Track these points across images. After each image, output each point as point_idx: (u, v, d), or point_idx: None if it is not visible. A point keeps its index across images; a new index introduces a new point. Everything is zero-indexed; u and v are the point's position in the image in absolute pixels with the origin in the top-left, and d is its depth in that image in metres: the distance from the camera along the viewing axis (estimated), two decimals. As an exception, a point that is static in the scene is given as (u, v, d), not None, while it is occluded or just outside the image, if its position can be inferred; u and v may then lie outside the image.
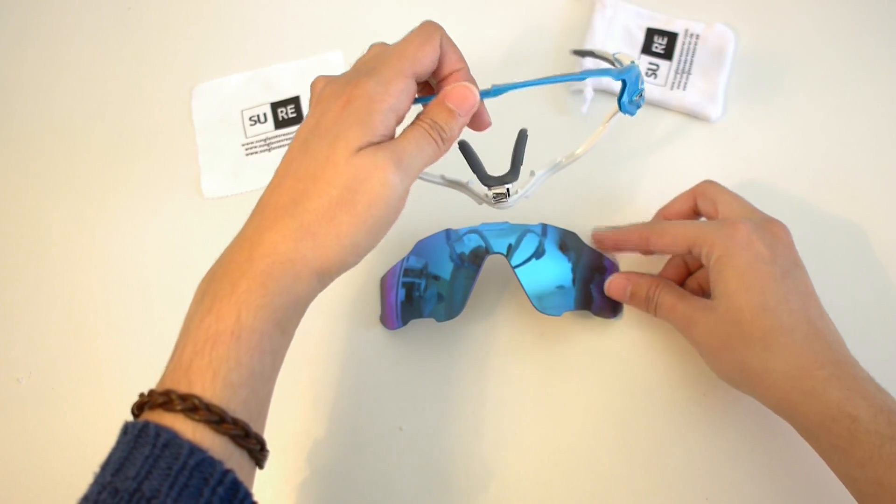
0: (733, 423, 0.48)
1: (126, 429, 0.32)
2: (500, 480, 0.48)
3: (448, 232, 0.50)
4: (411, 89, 0.37)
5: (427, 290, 0.49)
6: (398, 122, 0.38)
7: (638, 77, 0.45)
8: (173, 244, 0.57)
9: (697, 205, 0.48)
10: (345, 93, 0.36)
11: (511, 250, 0.48)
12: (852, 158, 0.54)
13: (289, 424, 0.50)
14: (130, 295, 0.55)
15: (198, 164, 0.59)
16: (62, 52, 0.63)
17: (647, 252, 0.48)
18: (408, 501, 0.48)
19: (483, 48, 0.59)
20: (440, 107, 0.38)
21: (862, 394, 0.37)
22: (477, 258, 0.48)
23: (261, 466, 0.35)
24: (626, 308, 0.51)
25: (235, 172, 0.58)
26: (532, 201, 0.54)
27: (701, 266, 0.49)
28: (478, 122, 0.42)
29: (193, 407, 0.31)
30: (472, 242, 0.49)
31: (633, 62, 0.45)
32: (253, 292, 0.34)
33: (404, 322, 0.50)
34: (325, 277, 0.37)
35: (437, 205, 0.55)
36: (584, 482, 0.48)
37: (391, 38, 0.60)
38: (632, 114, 0.46)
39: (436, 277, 0.49)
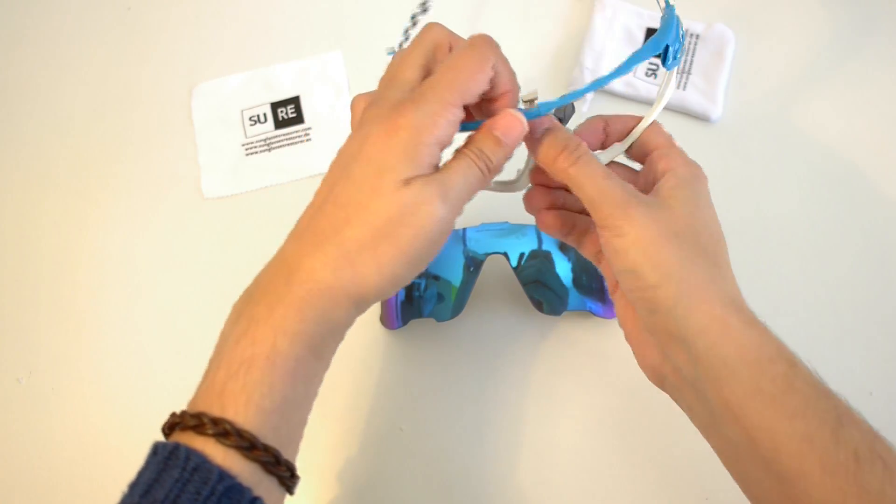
0: (733, 423, 0.48)
1: (156, 449, 0.32)
2: (500, 480, 0.48)
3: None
4: (458, 118, 0.35)
5: (427, 290, 0.49)
6: (443, 150, 0.36)
7: (678, 23, 0.40)
8: (173, 244, 0.57)
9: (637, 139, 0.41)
10: (389, 120, 0.35)
11: (511, 250, 0.48)
12: (852, 158, 0.54)
13: (289, 424, 0.50)
14: (131, 295, 0.55)
15: (198, 163, 0.59)
16: (62, 53, 0.63)
17: (605, 139, 0.42)
18: (408, 502, 0.48)
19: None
20: (488, 136, 0.36)
21: (791, 349, 0.34)
22: (477, 258, 0.48)
23: (290, 492, 0.35)
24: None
25: (235, 172, 0.58)
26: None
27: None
28: None
29: (225, 432, 0.31)
30: (472, 242, 0.49)
31: (668, 3, 0.40)
32: (290, 318, 0.34)
33: (404, 322, 0.50)
34: (362, 305, 0.37)
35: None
36: (584, 482, 0.48)
37: (391, 40, 0.60)
38: (676, 65, 0.43)
39: (436, 277, 0.49)
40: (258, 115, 0.60)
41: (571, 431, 0.49)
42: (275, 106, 0.60)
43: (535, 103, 0.37)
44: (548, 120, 0.38)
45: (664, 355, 0.37)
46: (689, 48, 0.57)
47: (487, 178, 0.37)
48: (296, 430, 0.35)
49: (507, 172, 0.41)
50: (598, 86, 0.38)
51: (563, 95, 0.38)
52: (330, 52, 0.61)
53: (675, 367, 0.36)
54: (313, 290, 0.35)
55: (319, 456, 0.50)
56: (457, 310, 0.48)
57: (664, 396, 0.49)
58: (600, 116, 0.41)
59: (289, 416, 0.34)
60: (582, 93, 0.38)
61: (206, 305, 0.53)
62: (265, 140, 0.59)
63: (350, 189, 0.35)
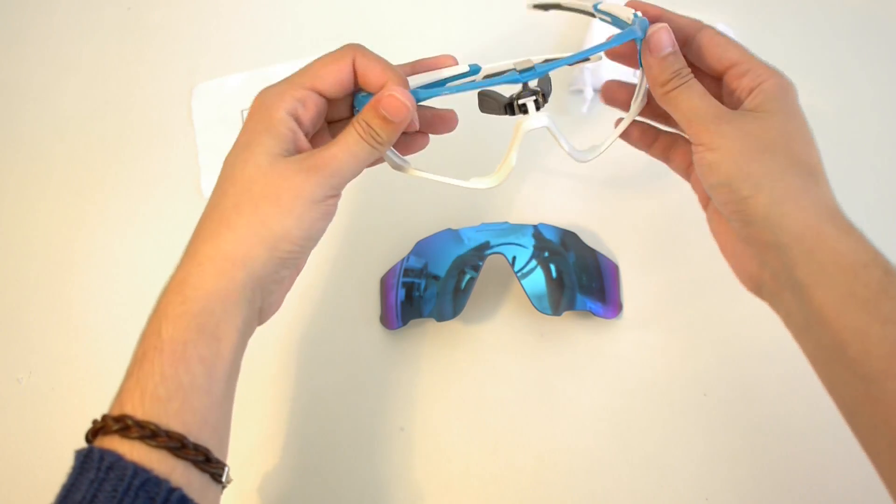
0: (733, 423, 0.48)
1: (75, 457, 0.33)
2: (500, 480, 0.48)
3: (448, 232, 0.50)
4: (311, 98, 0.39)
5: (427, 290, 0.49)
6: (306, 128, 0.39)
7: (646, 28, 0.41)
8: (173, 244, 0.56)
9: (705, 52, 0.41)
10: (250, 108, 0.39)
11: (511, 250, 0.48)
12: (853, 158, 0.54)
13: (289, 424, 0.50)
14: (131, 295, 0.55)
15: (198, 163, 0.59)
16: (62, 53, 0.63)
17: (683, 45, 0.41)
18: (408, 502, 0.48)
19: (482, 48, 0.59)
20: (373, 112, 0.38)
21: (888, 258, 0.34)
22: (477, 258, 0.48)
23: (218, 480, 0.34)
24: (626, 308, 0.51)
25: None
26: (531, 201, 0.54)
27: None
28: (440, 125, 0.43)
29: (126, 426, 0.32)
30: (472, 242, 0.49)
31: (635, 14, 0.41)
32: (171, 303, 0.35)
33: (404, 322, 0.50)
34: (254, 265, 0.36)
35: (436, 205, 0.55)
36: (584, 482, 0.48)
37: (391, 38, 0.60)
38: None
39: (436, 277, 0.49)
40: None
41: (571, 431, 0.49)
42: None
43: (533, 67, 0.39)
44: (670, 45, 0.40)
45: (761, 263, 0.37)
46: (689, 48, 0.57)
47: (381, 149, 0.39)
48: (204, 415, 0.34)
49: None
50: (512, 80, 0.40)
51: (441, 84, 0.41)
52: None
53: (773, 273, 0.36)
54: (192, 267, 0.36)
55: (320, 456, 0.50)
56: (457, 310, 0.48)
57: (664, 396, 0.49)
58: (659, 8, 0.42)
59: (191, 402, 0.34)
60: (461, 89, 0.40)
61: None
62: None
63: (226, 171, 0.38)
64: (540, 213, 0.53)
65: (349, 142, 0.38)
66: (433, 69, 0.42)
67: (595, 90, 0.56)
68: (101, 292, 0.56)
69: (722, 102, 0.39)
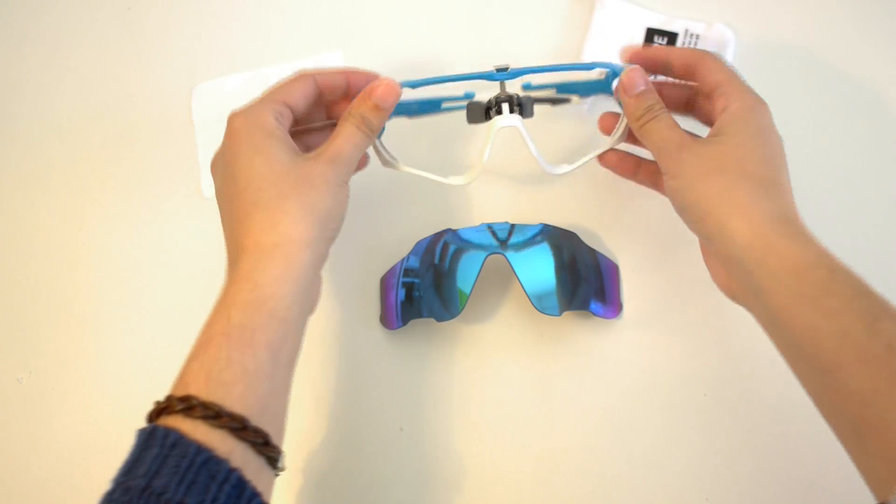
0: (733, 423, 0.48)
1: (137, 434, 0.34)
2: (500, 480, 0.48)
3: (447, 231, 0.50)
4: (285, 113, 0.44)
5: (426, 289, 0.49)
6: (294, 128, 0.44)
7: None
8: (173, 243, 0.57)
9: (696, 76, 0.45)
10: (229, 129, 0.43)
11: (510, 249, 0.48)
12: (853, 158, 0.54)
13: (289, 424, 0.50)
14: (131, 294, 0.55)
15: (198, 162, 0.59)
16: (62, 52, 0.63)
17: (671, 71, 0.47)
18: (408, 502, 0.48)
19: (482, 48, 0.59)
20: (366, 102, 0.44)
21: (836, 258, 0.38)
22: (477, 258, 0.48)
23: (273, 465, 0.36)
24: (626, 308, 0.51)
25: None
26: (532, 202, 0.54)
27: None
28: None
29: (190, 406, 0.33)
30: (472, 242, 0.49)
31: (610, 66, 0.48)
32: (241, 291, 0.37)
33: (404, 322, 0.50)
34: (314, 245, 0.40)
35: (436, 205, 0.55)
36: (584, 482, 0.48)
37: (391, 39, 0.60)
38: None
39: (436, 277, 0.49)
40: None
41: (571, 431, 0.49)
42: None
43: (508, 68, 0.47)
44: (642, 83, 0.45)
45: (728, 273, 0.42)
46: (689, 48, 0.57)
47: (372, 137, 0.45)
48: (266, 400, 0.36)
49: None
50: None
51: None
52: (330, 52, 0.61)
53: (738, 282, 0.40)
54: (259, 255, 0.38)
55: (319, 456, 0.50)
56: (456, 309, 0.48)
57: (664, 396, 0.49)
58: (666, 49, 0.49)
59: (255, 387, 0.35)
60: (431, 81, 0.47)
61: (204, 304, 0.53)
62: None
63: (244, 173, 0.41)
64: (540, 213, 0.53)
65: (348, 133, 0.43)
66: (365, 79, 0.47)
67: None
68: (101, 291, 0.56)
69: (712, 122, 0.44)
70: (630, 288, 0.51)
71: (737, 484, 0.46)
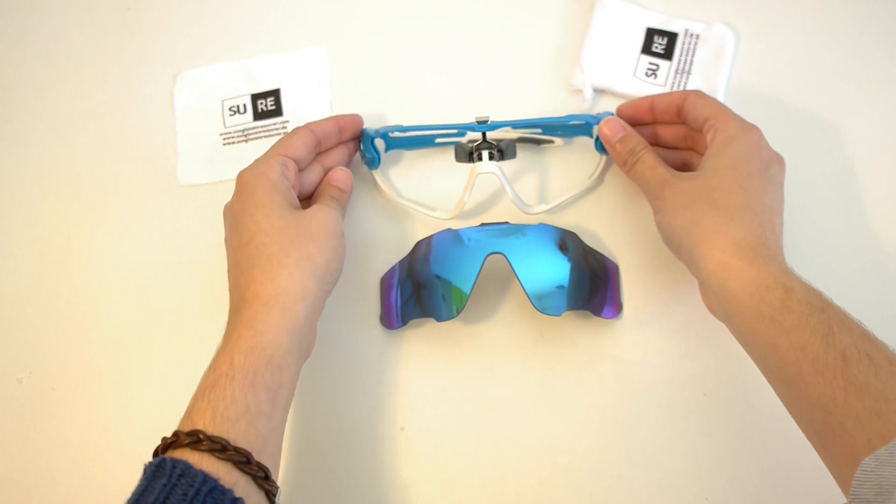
0: (733, 423, 0.48)
1: (146, 468, 0.36)
2: (500, 480, 0.48)
3: (448, 232, 0.50)
4: (290, 165, 0.48)
5: (427, 289, 0.49)
6: (292, 186, 0.48)
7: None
8: (173, 240, 0.56)
9: (685, 116, 0.49)
10: (238, 183, 0.47)
11: (511, 250, 0.48)
12: (852, 158, 0.54)
13: (289, 424, 0.50)
14: (131, 293, 0.55)
15: (176, 150, 0.59)
16: (62, 52, 0.63)
17: (660, 117, 0.51)
18: (408, 502, 0.48)
19: (482, 48, 0.59)
20: (331, 187, 0.51)
21: (796, 276, 0.40)
22: (477, 258, 0.48)
23: (271, 499, 0.38)
24: (626, 308, 0.51)
25: (212, 161, 0.58)
26: (531, 202, 0.54)
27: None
28: None
29: (198, 439, 0.36)
30: (473, 242, 0.49)
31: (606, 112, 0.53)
32: (243, 337, 0.40)
33: (404, 322, 0.50)
34: (310, 298, 0.43)
35: (436, 205, 0.55)
36: (584, 482, 0.48)
37: (378, 35, 0.60)
38: (606, 153, 0.53)
39: (436, 277, 0.49)
40: (238, 106, 0.59)
41: (571, 431, 0.49)
42: (255, 97, 0.60)
43: (488, 121, 0.52)
44: (621, 130, 0.50)
45: (704, 294, 0.47)
46: (689, 48, 0.57)
47: (344, 205, 0.51)
48: (266, 439, 0.39)
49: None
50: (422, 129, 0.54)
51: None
52: (314, 47, 0.61)
53: (711, 303, 0.45)
54: (259, 306, 0.41)
55: (319, 456, 0.50)
56: (456, 309, 0.48)
57: (664, 396, 0.49)
58: (649, 97, 0.51)
59: (255, 424, 0.38)
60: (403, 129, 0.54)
61: (202, 302, 0.53)
62: (243, 131, 0.59)
63: (248, 226, 0.44)
64: (540, 213, 0.53)
65: (326, 205, 0.48)
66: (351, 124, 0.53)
67: (595, 90, 0.56)
68: (101, 291, 0.56)
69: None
70: (630, 288, 0.52)
71: (737, 484, 0.47)
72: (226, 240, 0.47)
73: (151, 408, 0.51)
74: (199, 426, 0.36)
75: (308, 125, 0.51)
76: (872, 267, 0.51)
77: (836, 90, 0.55)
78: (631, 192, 0.54)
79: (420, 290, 0.49)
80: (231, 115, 0.59)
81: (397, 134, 0.54)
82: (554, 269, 0.49)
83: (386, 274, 0.52)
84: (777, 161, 0.46)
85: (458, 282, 0.48)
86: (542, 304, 0.47)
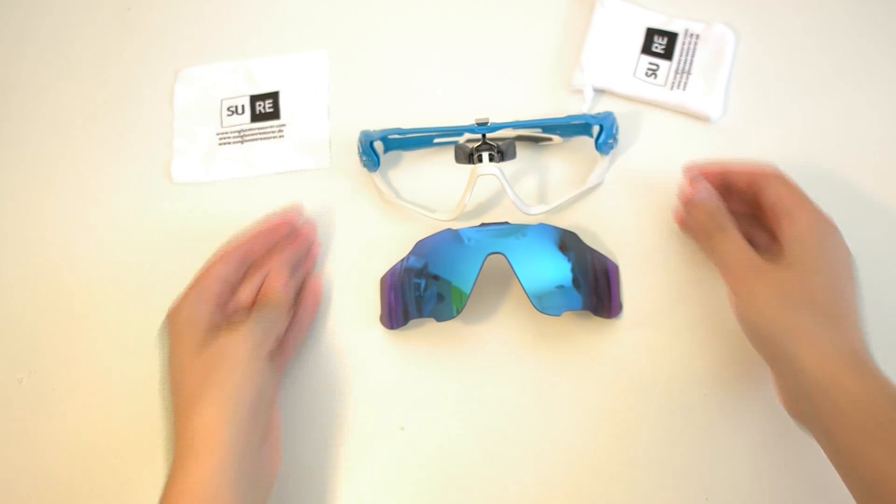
0: (733, 423, 0.48)
1: None
2: (500, 480, 0.48)
3: (448, 232, 0.50)
4: (223, 291, 0.48)
5: (427, 289, 0.49)
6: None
7: (613, 123, 0.53)
8: (172, 239, 0.56)
9: (760, 195, 0.46)
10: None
11: (511, 250, 0.48)
12: (853, 159, 0.54)
13: (288, 424, 0.50)
14: (131, 293, 0.55)
15: (172, 147, 0.59)
16: (62, 52, 0.63)
17: (733, 189, 0.47)
18: (408, 502, 0.48)
19: (482, 48, 0.59)
20: (310, 301, 0.52)
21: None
22: (477, 258, 0.48)
23: None
24: (626, 308, 0.51)
25: (206, 161, 0.58)
26: (531, 202, 0.54)
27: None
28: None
29: None
30: (473, 242, 0.49)
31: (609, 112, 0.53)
32: (174, 491, 0.40)
33: (404, 322, 0.50)
34: (232, 426, 0.41)
35: (436, 206, 0.55)
36: (584, 482, 0.48)
37: (379, 39, 0.60)
38: (606, 153, 0.53)
39: (436, 277, 0.49)
40: (237, 106, 0.59)
41: (571, 431, 0.49)
42: (254, 99, 0.59)
43: (488, 122, 0.52)
44: (706, 194, 0.47)
45: (794, 400, 0.42)
46: (689, 48, 0.57)
47: (276, 317, 0.48)
48: None
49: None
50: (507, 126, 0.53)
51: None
52: (316, 51, 0.61)
53: (803, 410, 0.41)
54: (184, 450, 0.41)
55: (319, 456, 0.50)
56: (456, 310, 0.48)
57: (664, 396, 0.49)
58: (721, 165, 0.48)
59: None
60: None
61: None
62: (239, 132, 0.59)
63: (172, 368, 0.45)
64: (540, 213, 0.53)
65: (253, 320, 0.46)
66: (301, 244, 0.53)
67: (595, 90, 0.56)
68: (101, 291, 0.56)
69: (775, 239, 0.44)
70: (630, 288, 0.51)
71: (737, 484, 0.46)
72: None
73: (151, 407, 0.51)
74: None
75: (234, 248, 0.49)
76: (872, 267, 0.51)
77: (837, 90, 0.55)
78: (631, 192, 0.54)
79: (420, 290, 0.49)
80: (229, 115, 0.59)
81: (396, 136, 0.54)
82: (554, 270, 0.49)
83: (386, 274, 0.52)
84: (849, 259, 0.44)
85: (458, 282, 0.48)
86: (542, 304, 0.48)
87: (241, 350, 0.43)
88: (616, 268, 0.52)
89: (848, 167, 0.54)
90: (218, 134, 0.59)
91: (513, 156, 0.52)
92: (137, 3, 0.64)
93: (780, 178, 0.45)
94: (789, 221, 0.43)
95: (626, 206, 0.54)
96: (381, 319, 0.52)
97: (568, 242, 0.50)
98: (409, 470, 0.49)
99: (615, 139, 0.53)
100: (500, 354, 0.51)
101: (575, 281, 0.49)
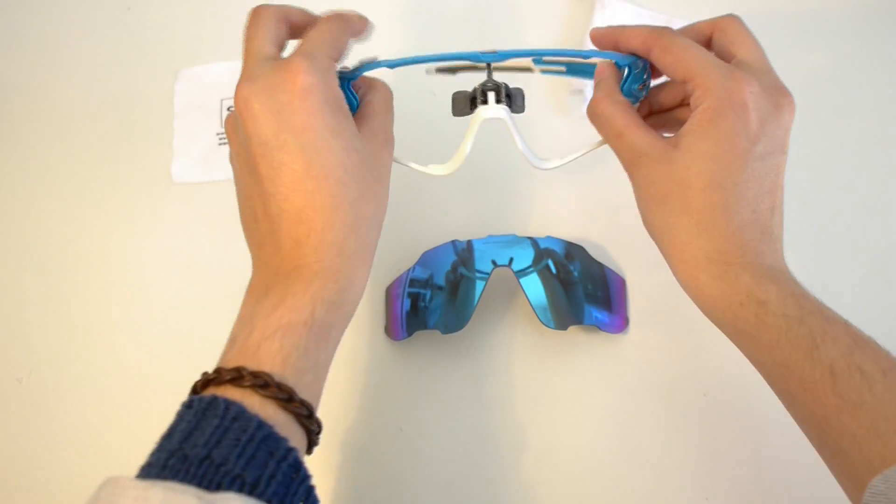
0: (733, 423, 0.48)
1: (191, 403, 0.32)
2: (500, 480, 0.48)
3: (454, 243, 0.49)
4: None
5: (432, 300, 0.49)
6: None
7: (646, 67, 0.42)
8: (171, 238, 0.56)
9: (713, 39, 0.42)
10: (291, 80, 0.39)
11: (517, 262, 0.48)
12: (852, 159, 0.54)
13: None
14: (131, 292, 0.55)
15: (171, 147, 0.59)
16: (62, 52, 0.63)
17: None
18: (408, 502, 0.48)
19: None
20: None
21: (773, 279, 0.36)
22: (483, 269, 0.48)
23: (309, 451, 0.37)
24: (629, 313, 0.51)
25: (206, 160, 0.58)
26: (539, 214, 0.54)
27: (670, 109, 0.44)
28: None
29: (265, 383, 0.32)
30: (478, 254, 0.48)
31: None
32: (328, 289, 0.36)
33: (409, 333, 0.49)
34: (372, 254, 0.40)
35: (442, 216, 0.55)
36: (584, 482, 0.48)
37: (379, 39, 0.60)
38: (633, 103, 0.44)
39: (441, 288, 0.49)
40: None
41: (571, 431, 0.49)
42: None
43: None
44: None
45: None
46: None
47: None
48: (320, 392, 0.37)
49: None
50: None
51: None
52: None
53: None
54: (345, 260, 0.37)
55: (319, 456, 0.50)
56: (462, 322, 0.47)
57: (664, 396, 0.49)
58: (615, 29, 0.42)
59: (319, 377, 0.36)
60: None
61: (203, 303, 0.53)
62: None
63: (328, 158, 0.37)
64: (547, 226, 0.53)
65: (381, 93, 0.44)
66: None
67: (595, 90, 0.56)
68: (101, 291, 0.55)
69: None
70: (631, 288, 0.52)
71: (737, 484, 0.47)
72: (272, 159, 0.38)
73: (151, 407, 0.51)
74: (267, 369, 0.33)
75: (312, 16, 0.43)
76: (872, 266, 0.51)
77: (837, 90, 0.55)
78: (633, 199, 0.54)
79: (426, 301, 0.49)
80: (229, 114, 0.59)
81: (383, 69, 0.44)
82: (560, 283, 0.48)
83: (392, 283, 0.52)
84: (776, 112, 0.38)
85: (464, 293, 0.48)
86: (546, 316, 0.47)
87: (389, 166, 0.40)
88: (623, 282, 0.52)
89: (848, 167, 0.54)
90: (218, 134, 0.59)
91: (521, 107, 0.44)
92: (137, 3, 0.64)
93: (673, 38, 0.39)
94: (696, 96, 0.38)
95: (634, 220, 0.53)
96: (387, 330, 0.51)
97: (574, 255, 0.50)
98: (409, 470, 0.49)
99: (645, 86, 0.44)
100: (500, 353, 0.51)
101: (581, 295, 0.49)
